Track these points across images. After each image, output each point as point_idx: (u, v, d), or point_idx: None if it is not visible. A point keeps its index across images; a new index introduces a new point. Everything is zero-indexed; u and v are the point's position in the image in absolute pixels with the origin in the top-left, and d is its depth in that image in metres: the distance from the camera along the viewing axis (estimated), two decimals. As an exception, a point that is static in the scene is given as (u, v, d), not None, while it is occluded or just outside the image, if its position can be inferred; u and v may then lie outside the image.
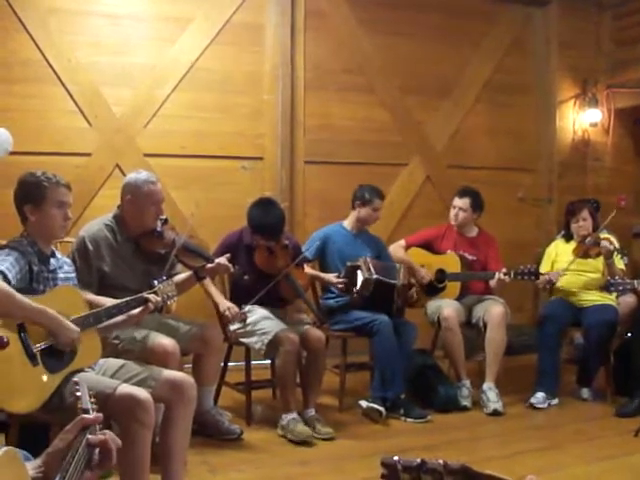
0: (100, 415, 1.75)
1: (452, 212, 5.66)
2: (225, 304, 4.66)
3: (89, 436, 1.68)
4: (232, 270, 4.31)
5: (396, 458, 1.42)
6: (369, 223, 5.47)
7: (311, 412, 4.68)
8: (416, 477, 1.40)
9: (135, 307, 3.44)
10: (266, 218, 4.78)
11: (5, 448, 1.51)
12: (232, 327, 4.69)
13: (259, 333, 4.60)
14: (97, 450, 1.68)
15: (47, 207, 3.23)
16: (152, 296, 3.47)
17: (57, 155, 5.66)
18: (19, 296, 2.93)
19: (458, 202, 5.62)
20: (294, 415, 4.54)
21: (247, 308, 4.69)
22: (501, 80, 7.33)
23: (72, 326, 3.10)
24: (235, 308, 4.63)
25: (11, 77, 5.64)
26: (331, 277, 5.13)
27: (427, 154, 7.12)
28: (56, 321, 3.04)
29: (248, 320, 4.66)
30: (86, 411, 1.76)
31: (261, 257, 4.74)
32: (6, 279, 2.94)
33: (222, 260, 4.25)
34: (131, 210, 4.13)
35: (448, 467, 1.40)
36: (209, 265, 4.22)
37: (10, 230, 3.39)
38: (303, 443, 4.41)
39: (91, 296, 3.76)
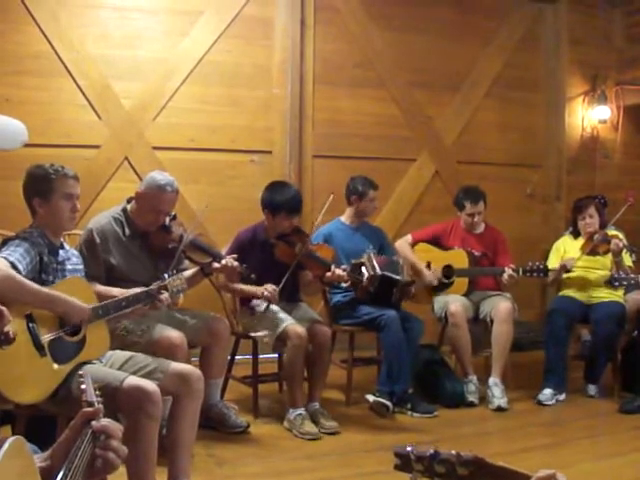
0: (100, 407, 1.75)
1: (469, 220, 5.58)
2: (260, 289, 4.61)
3: (93, 422, 1.68)
4: (240, 270, 4.31)
5: (409, 448, 1.42)
6: (368, 214, 5.48)
7: (315, 406, 4.68)
8: (429, 467, 1.40)
9: (144, 300, 3.47)
10: (287, 193, 4.82)
11: (13, 438, 1.51)
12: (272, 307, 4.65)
13: (268, 327, 4.60)
14: (103, 436, 1.68)
15: (55, 199, 3.24)
16: (161, 290, 3.51)
17: (66, 147, 5.68)
18: (29, 283, 2.97)
19: (475, 208, 5.55)
20: (301, 411, 4.53)
21: (256, 302, 4.70)
22: (511, 76, 7.32)
23: (82, 305, 3.13)
24: (271, 286, 4.59)
25: (21, 69, 5.65)
26: (339, 272, 5.00)
27: (436, 149, 7.11)
28: (66, 303, 3.08)
29: (257, 313, 4.67)
30: (90, 404, 1.76)
31: (281, 250, 4.72)
32: (16, 270, 2.95)
33: (230, 262, 4.23)
34: (136, 205, 4.14)
35: (461, 458, 1.39)
36: (216, 264, 4.22)
37: (21, 222, 3.39)
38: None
39: (99, 287, 3.77)
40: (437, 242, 5.67)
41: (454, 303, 5.29)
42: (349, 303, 5.18)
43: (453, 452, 1.40)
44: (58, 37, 5.72)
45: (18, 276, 2.94)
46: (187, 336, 3.99)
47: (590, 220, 5.49)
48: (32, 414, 3.20)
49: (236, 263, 4.26)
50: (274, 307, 4.65)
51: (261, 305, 4.68)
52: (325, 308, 5.43)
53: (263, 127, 6.42)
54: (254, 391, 4.84)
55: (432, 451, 1.40)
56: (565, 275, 5.46)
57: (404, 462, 1.40)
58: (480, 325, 5.48)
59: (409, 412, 4.92)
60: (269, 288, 4.58)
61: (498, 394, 5.10)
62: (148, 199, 4.08)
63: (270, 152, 6.45)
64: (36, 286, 3.00)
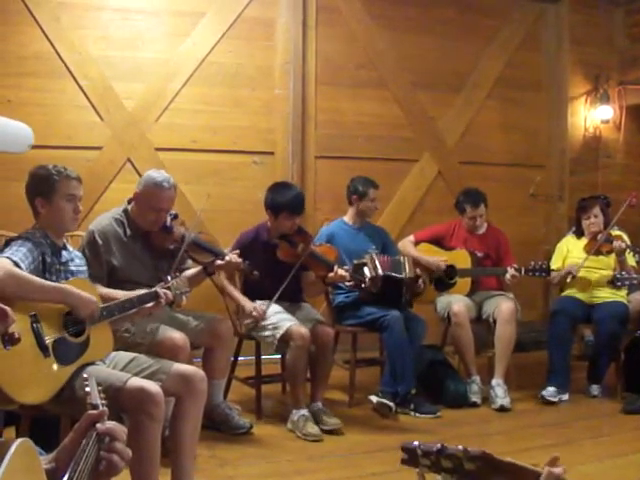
0: (105, 410, 1.75)
1: (470, 223, 5.59)
2: (249, 307, 4.67)
3: (98, 425, 1.68)
4: (242, 266, 4.31)
5: (416, 443, 1.41)
6: (369, 214, 5.47)
7: (318, 405, 4.68)
8: (436, 462, 1.39)
9: (147, 302, 3.46)
10: (289, 193, 4.82)
11: (20, 439, 1.51)
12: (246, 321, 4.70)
13: (271, 328, 4.59)
14: (107, 438, 1.68)
15: (57, 200, 3.25)
16: (165, 292, 3.50)
17: (68, 149, 5.68)
18: (34, 277, 2.97)
19: (476, 211, 5.55)
20: (304, 412, 4.53)
21: (259, 303, 4.70)
22: (513, 76, 7.30)
23: (90, 297, 3.13)
24: (261, 307, 4.63)
25: (23, 71, 5.65)
26: (341, 272, 5.01)
27: (439, 150, 7.10)
28: (74, 295, 3.08)
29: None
30: (95, 406, 1.76)
31: (284, 250, 4.72)
32: (19, 269, 2.95)
33: (232, 257, 4.25)
34: (136, 206, 4.14)
35: (468, 453, 1.39)
36: (219, 262, 4.21)
37: (23, 223, 3.40)
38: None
39: (103, 289, 3.76)
40: (439, 243, 5.67)
41: (457, 303, 5.29)
42: (352, 303, 5.17)
43: (460, 447, 1.40)
44: (59, 38, 5.72)
45: (22, 272, 2.95)
46: (190, 337, 3.98)
47: (595, 220, 5.49)
48: (36, 415, 3.20)
49: (239, 259, 4.26)
50: (277, 307, 4.66)
51: (264, 305, 4.67)
52: (328, 309, 5.42)
53: (265, 128, 6.41)
54: (257, 392, 4.83)
55: (439, 446, 1.39)
56: (567, 274, 5.48)
57: (411, 457, 1.40)
58: (483, 325, 5.48)
59: (412, 413, 4.91)
60: (259, 309, 4.61)
61: (501, 394, 5.09)
62: (147, 198, 4.07)
63: (272, 153, 6.44)
64: (41, 280, 3.01)
